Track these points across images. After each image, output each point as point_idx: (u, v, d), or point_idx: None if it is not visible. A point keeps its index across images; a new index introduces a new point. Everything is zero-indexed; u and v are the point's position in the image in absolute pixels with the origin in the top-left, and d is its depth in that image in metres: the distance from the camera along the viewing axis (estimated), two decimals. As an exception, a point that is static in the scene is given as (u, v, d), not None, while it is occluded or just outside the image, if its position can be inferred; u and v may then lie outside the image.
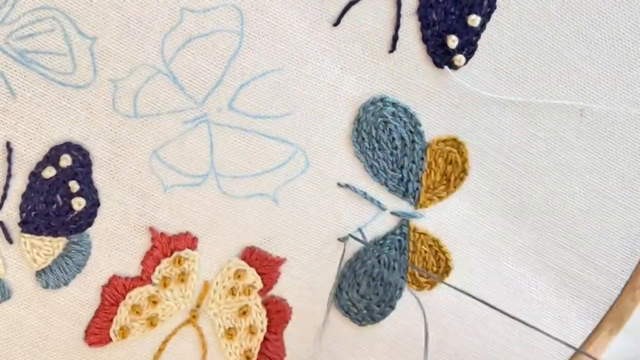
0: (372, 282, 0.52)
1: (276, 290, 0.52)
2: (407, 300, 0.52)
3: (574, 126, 0.49)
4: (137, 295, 0.49)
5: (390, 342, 0.53)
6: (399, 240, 0.51)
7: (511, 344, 0.52)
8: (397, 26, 0.47)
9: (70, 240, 0.47)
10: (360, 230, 0.50)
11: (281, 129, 0.48)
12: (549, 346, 0.51)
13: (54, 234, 0.47)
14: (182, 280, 0.50)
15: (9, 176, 0.45)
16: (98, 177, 0.47)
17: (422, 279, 0.52)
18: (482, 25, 0.47)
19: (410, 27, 0.47)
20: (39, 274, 0.47)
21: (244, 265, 0.51)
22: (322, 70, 0.47)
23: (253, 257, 0.51)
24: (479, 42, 0.48)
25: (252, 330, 0.52)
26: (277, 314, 0.52)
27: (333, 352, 0.53)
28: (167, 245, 0.49)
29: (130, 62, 0.45)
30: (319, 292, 0.52)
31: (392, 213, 0.51)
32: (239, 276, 0.51)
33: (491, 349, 0.53)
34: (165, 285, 0.50)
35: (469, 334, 0.53)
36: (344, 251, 0.50)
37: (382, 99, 0.48)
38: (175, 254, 0.49)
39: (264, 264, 0.51)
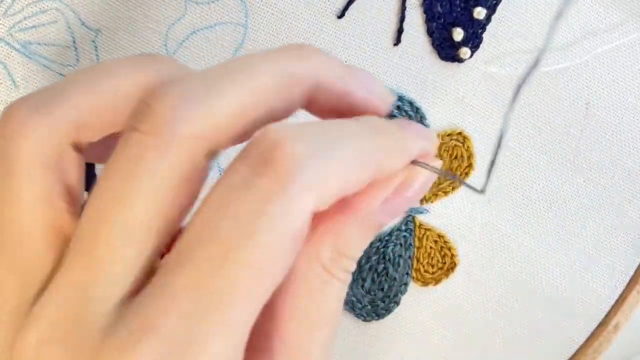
0: (377, 277, 0.52)
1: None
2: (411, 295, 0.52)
3: (580, 120, 0.49)
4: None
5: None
6: (404, 236, 0.51)
7: (516, 334, 0.52)
8: (402, 19, 0.47)
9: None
10: None
11: (285, 122, 0.48)
12: (555, 339, 0.51)
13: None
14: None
15: (11, 168, 0.45)
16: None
17: (427, 275, 0.51)
18: (488, 18, 0.47)
19: (415, 19, 0.47)
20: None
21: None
22: (326, 64, 0.47)
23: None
24: (485, 35, 0.47)
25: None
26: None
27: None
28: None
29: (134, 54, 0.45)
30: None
31: (397, 209, 0.50)
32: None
33: (492, 343, 0.52)
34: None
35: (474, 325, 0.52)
36: None
37: (387, 93, 0.48)
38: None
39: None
